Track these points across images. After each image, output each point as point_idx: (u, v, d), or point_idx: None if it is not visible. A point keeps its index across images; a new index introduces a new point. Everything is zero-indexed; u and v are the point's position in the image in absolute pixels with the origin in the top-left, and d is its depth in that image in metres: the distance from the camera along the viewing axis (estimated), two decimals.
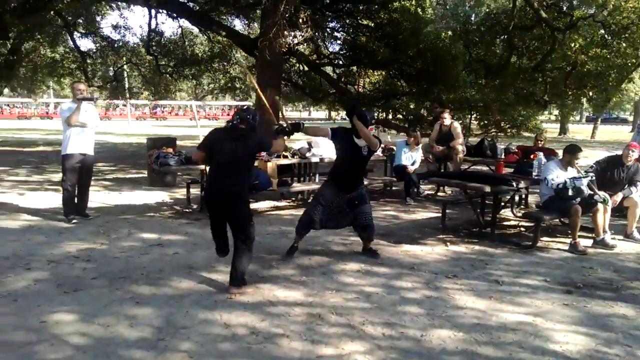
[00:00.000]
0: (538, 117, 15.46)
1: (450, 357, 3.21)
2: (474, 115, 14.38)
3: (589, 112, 30.64)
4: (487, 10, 14.97)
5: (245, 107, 4.48)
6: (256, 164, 7.21)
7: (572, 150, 5.94)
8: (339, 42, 14.51)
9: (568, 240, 5.80)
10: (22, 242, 5.53)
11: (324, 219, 5.10)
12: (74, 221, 6.44)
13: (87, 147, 6.58)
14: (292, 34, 11.15)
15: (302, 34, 11.66)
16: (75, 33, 17.33)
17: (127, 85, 23.26)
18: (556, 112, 25.30)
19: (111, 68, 19.59)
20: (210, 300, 4.02)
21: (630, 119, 47.81)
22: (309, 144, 8.23)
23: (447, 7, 24.13)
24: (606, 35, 10.95)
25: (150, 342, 3.30)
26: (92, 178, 6.90)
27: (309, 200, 6.16)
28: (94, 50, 18.52)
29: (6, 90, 33.26)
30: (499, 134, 14.73)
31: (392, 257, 5.30)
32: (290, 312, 3.81)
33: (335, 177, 5.22)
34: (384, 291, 4.31)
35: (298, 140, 8.41)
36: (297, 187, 7.84)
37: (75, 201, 6.69)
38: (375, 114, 15.04)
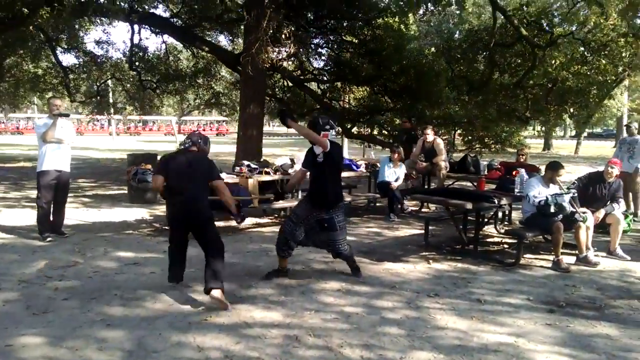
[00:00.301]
0: (521, 133, 15.61)
1: None
2: (458, 131, 14.44)
3: (582, 128, 31.11)
4: (470, 27, 15.12)
5: (195, 132, 4.91)
6: (237, 180, 7.14)
7: (554, 167, 5.93)
8: (323, 58, 14.53)
9: (551, 258, 5.75)
10: None
11: (298, 235, 4.89)
12: (49, 239, 6.28)
13: (63, 164, 6.45)
14: (276, 49, 11.15)
15: (286, 49, 11.66)
16: (58, 48, 17.21)
17: (111, 101, 23.10)
18: (539, 127, 25.57)
19: (95, 84, 19.41)
20: (184, 322, 3.89)
21: None
22: (292, 160, 8.17)
23: (432, 24, 24.40)
24: (586, 53, 11.09)
25: None
26: (72, 195, 6.78)
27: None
28: (77, 66, 18.37)
29: None
30: (483, 149, 14.81)
31: (374, 276, 5.21)
32: (266, 334, 3.70)
33: (308, 193, 5.10)
34: (364, 311, 4.22)
35: (280, 157, 8.34)
36: (279, 204, 7.74)
37: (51, 219, 6.53)
38: (360, 129, 15.09)
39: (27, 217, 7.57)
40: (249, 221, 7.87)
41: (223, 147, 25.05)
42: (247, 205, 6.91)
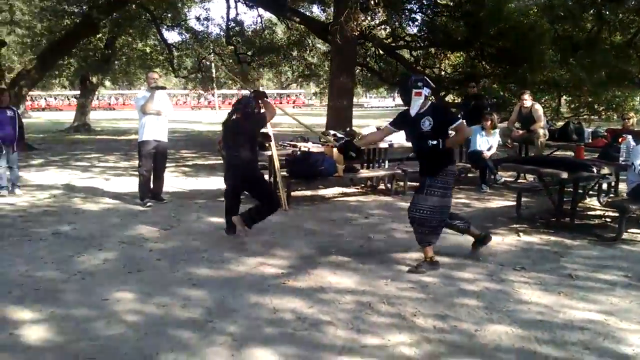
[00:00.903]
0: (637, 98, 14.14)
1: (504, 354, 2.99)
2: (564, 97, 13.42)
3: None
4: None
5: (240, 98, 5.27)
6: (322, 149, 7.18)
7: None
8: (417, 23, 14.07)
9: None
10: (99, 224, 5.88)
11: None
12: (149, 204, 6.75)
13: (162, 134, 6.84)
14: (366, 17, 10.97)
15: (377, 16, 11.44)
16: (163, 26, 18.21)
17: (214, 75, 24.16)
18: None
19: (197, 59, 20.36)
20: (264, 284, 4.04)
21: None
22: (378, 129, 8.05)
23: None
24: None
25: (198, 323, 3.36)
26: (173, 164, 7.18)
27: None
28: (180, 42, 19.37)
29: (108, 83, 35.81)
30: (592, 117, 13.68)
31: (457, 246, 5.04)
32: (340, 300, 3.74)
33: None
34: (442, 282, 4.11)
35: (367, 126, 8.27)
36: (364, 173, 7.71)
37: (151, 186, 6.99)
38: (454, 97, 14.48)
39: (132, 184, 8.14)
40: (334, 190, 7.95)
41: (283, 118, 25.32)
42: (331, 174, 6.95)
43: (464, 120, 4.31)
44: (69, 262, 4.56)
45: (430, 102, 4.29)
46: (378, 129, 7.85)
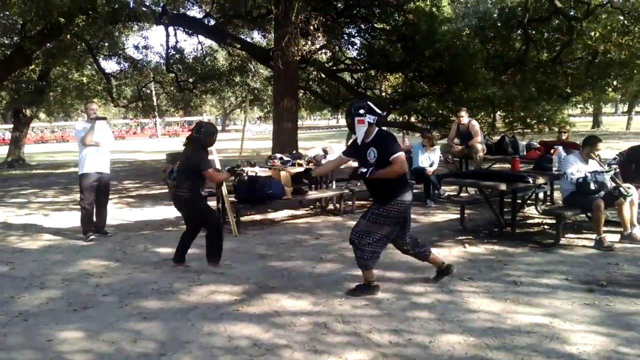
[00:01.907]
0: (568, 111, 15.01)
1: None
2: (498, 113, 14.05)
3: (632, 103, 29.73)
4: (504, 5, 14.67)
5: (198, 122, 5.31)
6: (269, 173, 7.20)
7: (591, 142, 5.71)
8: (356, 47, 14.43)
9: (594, 237, 5.54)
10: (40, 261, 5.63)
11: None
12: (92, 238, 6.53)
13: (103, 166, 6.66)
14: (306, 42, 11.16)
15: (316, 41, 11.66)
16: (100, 55, 17.80)
17: (155, 103, 23.75)
18: (587, 104, 24.55)
19: (137, 88, 20.00)
20: (217, 313, 3.98)
21: None
22: (325, 150, 8.17)
23: (468, 5, 23.77)
24: (626, 22, 10.55)
25: (151, 358, 3.26)
26: (117, 195, 6.99)
27: None
28: (119, 71, 18.98)
29: (43, 115, 34.48)
30: (526, 130, 14.36)
31: (407, 262, 5.13)
32: (295, 322, 3.73)
33: None
34: (395, 297, 4.19)
35: (312, 148, 8.36)
36: (313, 195, 7.77)
37: (94, 219, 6.78)
38: (396, 117, 14.89)
39: (73, 219, 7.85)
40: (284, 213, 7.95)
41: (228, 144, 25.31)
42: (280, 198, 6.96)
43: (403, 154, 3.91)
44: (9, 304, 4.34)
45: (377, 129, 4.04)
46: (324, 151, 8.00)
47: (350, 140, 4.69)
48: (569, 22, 10.17)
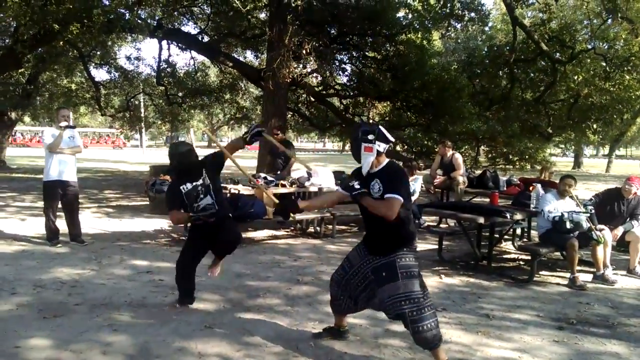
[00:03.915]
0: (547, 150, 15.36)
1: None
2: (482, 147, 14.32)
3: (614, 146, 30.55)
4: (492, 43, 15.09)
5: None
6: (252, 191, 7.22)
7: (564, 179, 5.86)
8: (346, 73, 14.67)
9: (568, 275, 5.63)
10: (13, 267, 5.53)
11: (341, 284, 3.61)
12: (59, 245, 6.51)
13: (69, 174, 6.59)
14: (298, 65, 11.32)
15: (308, 65, 11.84)
16: (91, 64, 17.83)
17: (142, 115, 23.71)
18: (568, 145, 25.21)
19: (126, 98, 19.99)
20: (189, 329, 3.95)
21: None
22: (309, 173, 8.22)
23: (459, 40, 24.33)
24: (607, 68, 10.92)
25: None
26: (97, 205, 6.94)
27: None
28: (109, 81, 18.99)
29: (28, 119, 34.19)
30: (507, 166, 14.63)
31: None
32: (267, 343, 3.72)
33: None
34: (368, 323, 4.21)
35: (297, 170, 8.42)
36: (294, 216, 7.77)
37: (67, 228, 6.76)
38: None
39: None
40: (264, 233, 7.95)
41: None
42: (261, 217, 6.97)
43: (400, 200, 3.16)
44: None
45: (387, 160, 3.39)
46: (309, 173, 8.04)
47: (350, 172, 3.92)
48: (553, 65, 10.50)
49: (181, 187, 4.22)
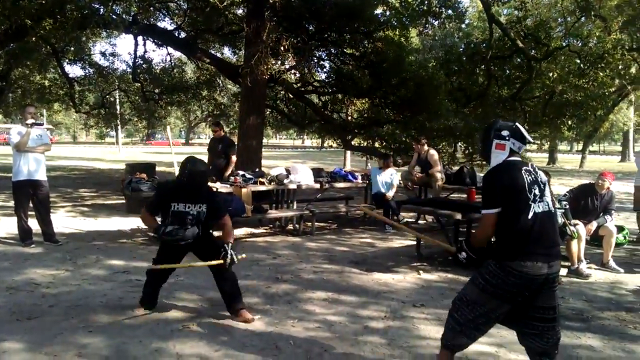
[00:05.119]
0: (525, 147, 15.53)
1: None
2: (459, 144, 14.44)
3: (587, 142, 31.20)
4: (469, 40, 15.23)
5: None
6: (231, 189, 7.18)
7: None
8: (325, 70, 14.63)
9: None
10: None
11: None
12: (33, 246, 6.40)
13: (39, 173, 6.48)
14: (276, 61, 11.25)
15: (286, 61, 11.78)
16: (65, 60, 17.45)
17: (118, 112, 23.35)
18: (543, 141, 25.62)
19: (101, 95, 19.65)
20: (166, 329, 3.90)
21: None
22: (287, 170, 8.20)
23: (436, 38, 24.49)
24: (582, 65, 11.13)
25: None
26: (71, 204, 6.82)
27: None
28: (83, 77, 18.61)
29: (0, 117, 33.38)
30: (484, 162, 14.78)
31: (362, 286, 5.21)
32: (247, 342, 3.70)
33: None
34: (348, 320, 4.21)
35: (276, 167, 8.39)
36: (273, 214, 7.76)
37: (39, 228, 6.65)
38: (361, 141, 15.14)
39: None
40: (243, 231, 7.91)
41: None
42: (240, 215, 6.93)
43: (493, 215, 2.87)
44: None
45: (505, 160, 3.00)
46: (287, 170, 8.03)
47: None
48: (529, 62, 10.65)
49: (172, 204, 4.01)
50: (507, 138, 2.98)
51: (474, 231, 3.33)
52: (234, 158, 8.46)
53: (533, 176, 2.90)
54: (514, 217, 2.82)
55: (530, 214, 2.79)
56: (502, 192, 2.87)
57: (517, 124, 3.08)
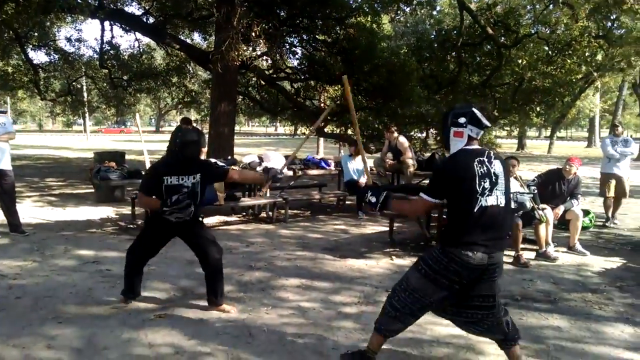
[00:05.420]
0: (493, 132, 15.86)
1: None
2: (431, 130, 14.58)
3: (554, 128, 31.91)
4: (440, 27, 15.31)
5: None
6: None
7: (507, 161, 6.05)
8: (297, 56, 14.54)
9: (512, 253, 5.83)
10: None
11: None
12: None
13: (5, 163, 6.31)
14: (247, 48, 11.12)
15: (258, 48, 11.65)
16: (29, 45, 16.91)
17: (86, 99, 22.79)
18: (512, 127, 26.12)
19: (67, 82, 19.13)
20: (138, 319, 3.86)
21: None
22: (260, 157, 8.15)
23: (408, 24, 24.54)
24: (550, 52, 11.33)
25: None
26: (38, 193, 6.65)
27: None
28: (48, 63, 18.08)
29: None
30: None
31: (335, 272, 5.24)
32: (220, 330, 3.69)
33: None
34: (321, 306, 4.23)
35: (249, 154, 8.33)
36: (245, 201, 7.72)
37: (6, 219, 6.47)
38: (334, 128, 15.14)
39: None
40: (215, 219, 7.85)
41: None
42: (212, 203, 6.87)
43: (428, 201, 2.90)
44: None
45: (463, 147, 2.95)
46: (260, 158, 7.98)
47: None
48: (498, 49, 10.78)
49: (164, 178, 3.78)
50: (464, 125, 2.92)
51: (407, 203, 3.64)
52: (202, 151, 8.39)
53: (486, 167, 2.84)
54: (461, 208, 2.84)
55: (477, 207, 2.78)
56: (449, 184, 2.86)
57: (473, 109, 2.99)
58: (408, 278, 3.03)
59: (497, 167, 2.88)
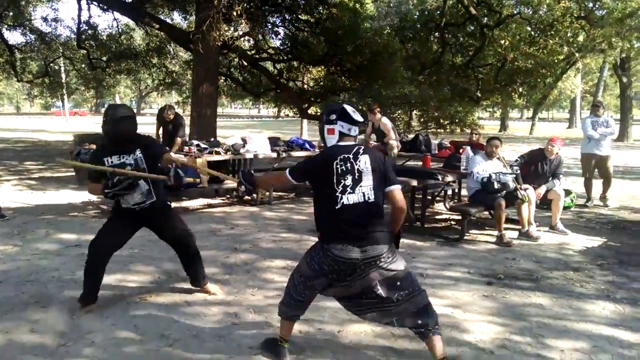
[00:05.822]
0: (479, 114, 15.96)
1: (365, 351, 3.18)
2: (414, 112, 14.60)
3: (536, 109, 32.22)
4: (423, 7, 15.25)
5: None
6: (185, 159, 7.01)
7: (490, 141, 6.11)
8: (279, 37, 14.38)
9: (496, 233, 5.90)
10: None
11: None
12: None
13: None
14: (229, 27, 10.96)
15: (239, 27, 11.48)
16: (3, 25, 16.49)
17: (64, 81, 22.35)
18: (494, 108, 26.25)
19: (44, 63, 18.71)
20: (123, 302, 3.83)
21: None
22: (244, 139, 8.08)
23: (391, 5, 24.41)
24: (533, 32, 11.37)
25: (49, 348, 3.10)
26: (17, 177, 6.53)
27: None
28: (24, 44, 17.65)
29: None
30: (439, 130, 15.03)
31: None
32: (206, 312, 3.68)
33: None
34: None
35: (232, 136, 8.25)
36: (229, 183, 7.66)
37: None
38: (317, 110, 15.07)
39: None
40: (199, 202, 7.80)
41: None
42: (195, 186, 6.81)
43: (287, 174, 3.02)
44: None
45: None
46: (243, 140, 7.90)
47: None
48: (481, 29, 10.78)
49: (105, 159, 3.60)
50: (334, 122, 2.94)
51: (274, 177, 4.11)
52: (178, 140, 8.38)
53: (350, 165, 2.83)
54: (322, 206, 2.92)
55: (338, 205, 2.81)
56: (310, 176, 3.00)
57: (344, 105, 3.00)
58: (299, 265, 3.08)
59: (363, 163, 2.87)
